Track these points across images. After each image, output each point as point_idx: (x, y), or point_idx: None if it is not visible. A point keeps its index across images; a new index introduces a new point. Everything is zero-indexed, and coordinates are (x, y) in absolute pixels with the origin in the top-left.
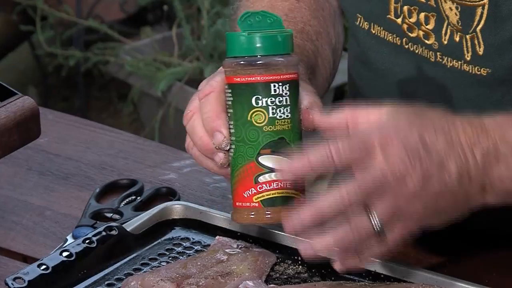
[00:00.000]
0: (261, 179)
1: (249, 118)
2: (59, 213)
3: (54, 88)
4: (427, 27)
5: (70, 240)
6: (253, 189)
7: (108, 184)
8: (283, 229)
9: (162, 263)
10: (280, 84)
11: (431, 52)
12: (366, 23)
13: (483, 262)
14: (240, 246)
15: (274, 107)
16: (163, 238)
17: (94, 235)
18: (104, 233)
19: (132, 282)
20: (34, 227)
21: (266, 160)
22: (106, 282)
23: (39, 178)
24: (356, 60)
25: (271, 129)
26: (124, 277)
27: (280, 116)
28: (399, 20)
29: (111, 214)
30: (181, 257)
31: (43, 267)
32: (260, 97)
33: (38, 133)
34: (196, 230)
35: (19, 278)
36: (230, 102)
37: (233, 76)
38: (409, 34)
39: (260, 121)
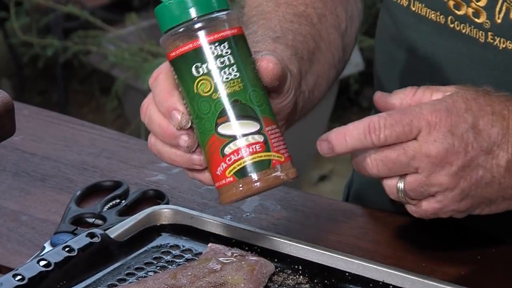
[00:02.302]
0: (227, 150)
1: (195, 91)
2: (36, 218)
3: (30, 80)
4: (478, 3)
5: (48, 248)
6: (223, 163)
7: (90, 187)
8: (278, 235)
9: (149, 273)
10: (217, 44)
11: (481, 32)
12: None
13: (505, 276)
14: (235, 254)
15: (217, 70)
16: (150, 246)
17: (75, 243)
18: (85, 240)
19: None
20: (8, 234)
21: (225, 129)
22: None
23: (14, 179)
24: (390, 41)
25: (221, 95)
26: None
27: (227, 78)
28: None
29: (93, 219)
30: (170, 267)
31: (19, 277)
32: (199, 64)
33: (12, 130)
34: (187, 236)
35: None
36: (177, 80)
37: (169, 52)
38: (456, 11)
39: (207, 90)
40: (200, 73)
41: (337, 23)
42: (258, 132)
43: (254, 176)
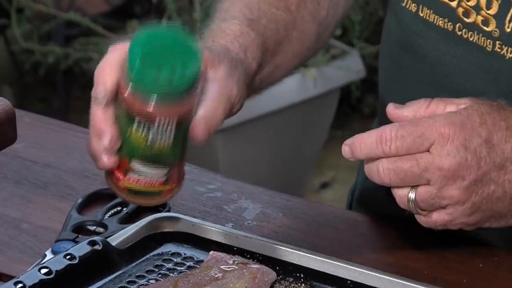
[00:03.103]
0: (130, 175)
1: (128, 134)
2: (37, 226)
3: (31, 87)
4: (488, 12)
5: (49, 255)
6: (121, 175)
7: (91, 194)
8: (280, 242)
9: (151, 281)
10: (166, 118)
11: (488, 40)
12: (414, 4)
13: (507, 284)
14: (236, 262)
15: (155, 134)
16: (151, 254)
17: (76, 250)
18: (86, 248)
19: None
20: (9, 242)
21: (137, 165)
22: None
23: (15, 187)
24: (397, 46)
25: (149, 150)
26: None
27: (161, 140)
28: (454, 3)
29: (95, 227)
30: (171, 274)
31: (20, 285)
32: (143, 124)
33: (14, 138)
34: (188, 244)
35: None
36: (117, 110)
37: (124, 92)
38: (465, 19)
39: (139, 140)
40: (140, 128)
41: (316, 10)
42: (163, 175)
43: (139, 199)
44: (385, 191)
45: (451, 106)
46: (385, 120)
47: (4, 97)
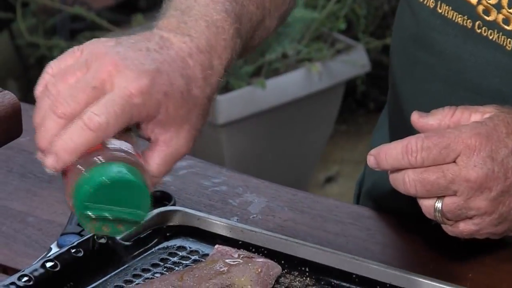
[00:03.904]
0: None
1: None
2: (43, 220)
3: (36, 81)
4: (510, 10)
5: (54, 249)
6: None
7: None
8: (285, 236)
9: (156, 275)
10: None
11: (508, 39)
12: (432, 0)
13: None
14: (241, 256)
15: None
16: (157, 247)
17: (81, 244)
18: (92, 242)
19: None
20: (15, 235)
21: None
22: None
23: (20, 181)
24: (412, 40)
25: None
26: None
27: None
28: (474, 1)
29: None
30: (176, 268)
31: (25, 278)
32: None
33: (19, 132)
34: (194, 238)
35: None
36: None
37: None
38: (485, 17)
39: None
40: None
41: None
42: None
43: None
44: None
45: (476, 115)
46: (396, 114)
47: (9, 91)
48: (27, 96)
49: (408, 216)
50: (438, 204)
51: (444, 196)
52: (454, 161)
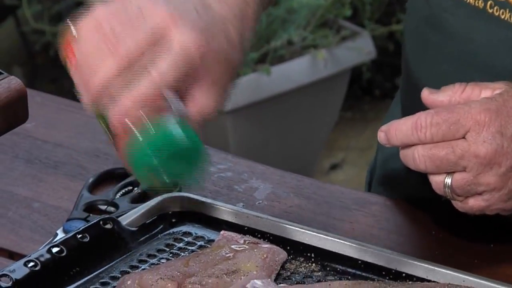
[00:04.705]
0: None
1: None
2: (48, 205)
3: (42, 68)
4: None
5: (60, 234)
6: None
7: (102, 174)
8: (290, 222)
9: (162, 260)
10: None
11: None
12: None
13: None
14: (247, 242)
15: None
16: (162, 233)
17: (87, 229)
18: (98, 227)
19: (128, 281)
20: (20, 221)
21: None
22: (100, 281)
23: (26, 166)
24: (424, 23)
25: None
26: (119, 275)
27: None
28: None
29: (106, 207)
30: (182, 254)
31: (31, 264)
32: None
33: (25, 117)
34: (199, 224)
35: (5, 275)
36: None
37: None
38: None
39: None
40: None
41: None
42: None
43: None
44: (406, 174)
45: (487, 91)
46: (409, 98)
47: (15, 77)
48: (33, 83)
49: (421, 202)
50: (448, 180)
51: (453, 172)
52: (464, 137)
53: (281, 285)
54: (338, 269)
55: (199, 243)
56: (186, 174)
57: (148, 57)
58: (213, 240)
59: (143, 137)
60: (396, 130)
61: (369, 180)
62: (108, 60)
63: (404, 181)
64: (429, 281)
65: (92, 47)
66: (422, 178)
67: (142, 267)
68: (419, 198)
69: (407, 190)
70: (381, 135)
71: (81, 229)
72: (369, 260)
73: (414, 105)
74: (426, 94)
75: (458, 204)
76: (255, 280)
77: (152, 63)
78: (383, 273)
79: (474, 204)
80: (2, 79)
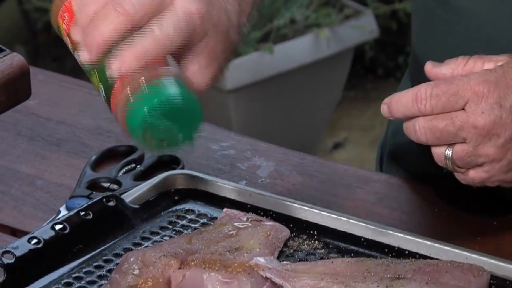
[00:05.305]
0: None
1: None
2: (51, 183)
3: (44, 47)
4: None
5: (63, 212)
6: None
7: (105, 151)
8: (293, 200)
9: (165, 238)
10: None
11: None
12: None
13: None
14: (250, 219)
15: None
16: (165, 210)
17: (90, 207)
18: (101, 205)
19: (131, 258)
20: (23, 198)
21: None
22: (103, 258)
23: (29, 144)
24: None
25: None
26: (122, 253)
27: None
28: None
29: (109, 184)
30: (185, 231)
31: (34, 241)
32: None
33: (28, 94)
34: (202, 201)
35: (8, 252)
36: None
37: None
38: None
39: None
40: None
41: None
42: None
43: None
44: (413, 148)
45: (489, 63)
46: (418, 75)
47: (17, 53)
48: (35, 61)
49: (427, 177)
50: (448, 152)
51: (454, 144)
52: (463, 108)
53: (284, 262)
54: (341, 246)
55: (202, 221)
56: (182, 133)
57: (151, 17)
58: (216, 218)
59: (140, 95)
60: (397, 102)
61: (380, 156)
62: (112, 17)
63: (411, 156)
64: (432, 258)
65: (96, 3)
66: (427, 151)
67: (145, 244)
68: (425, 173)
69: (414, 165)
70: (384, 108)
71: (84, 206)
72: (371, 238)
73: (423, 82)
74: (429, 67)
75: (460, 176)
76: (258, 258)
77: (156, 24)
78: (386, 250)
79: (475, 175)
80: (4, 56)
